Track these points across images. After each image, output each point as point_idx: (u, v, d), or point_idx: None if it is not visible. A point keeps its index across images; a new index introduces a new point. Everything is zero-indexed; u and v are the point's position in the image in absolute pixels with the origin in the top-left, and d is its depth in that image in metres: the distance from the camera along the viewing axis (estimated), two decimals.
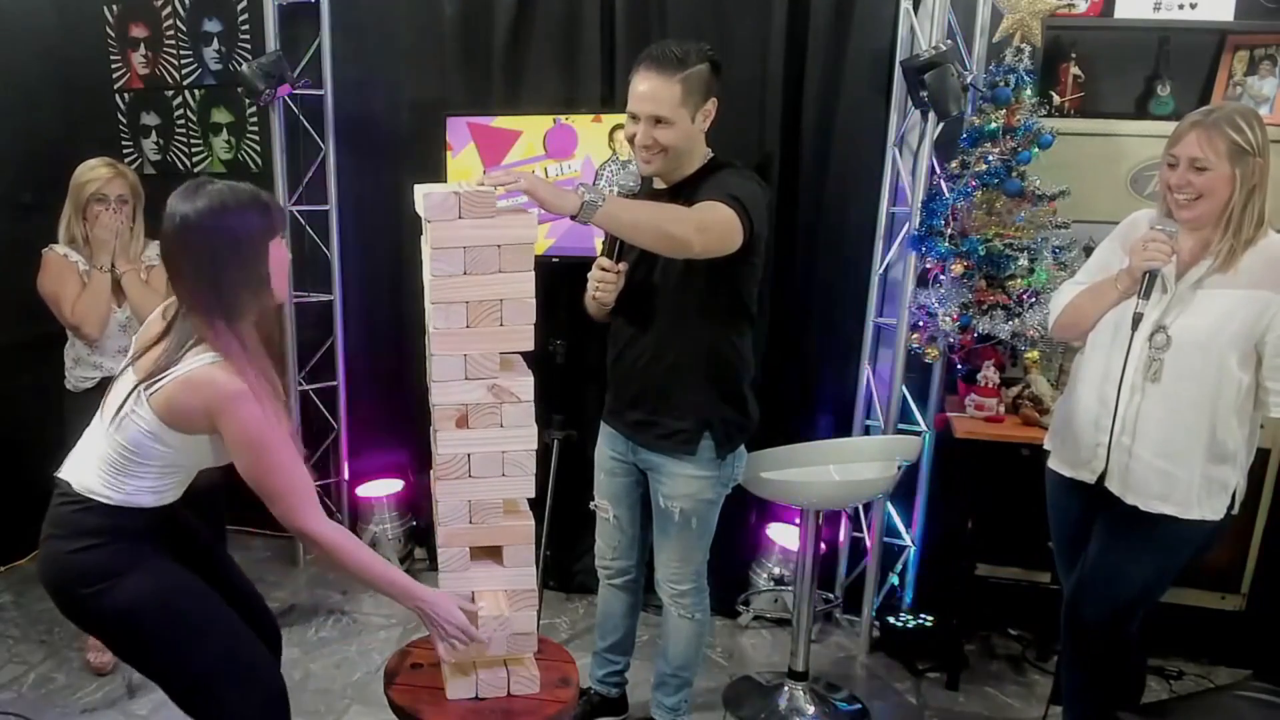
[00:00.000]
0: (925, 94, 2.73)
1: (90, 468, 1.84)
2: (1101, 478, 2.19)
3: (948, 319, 2.81)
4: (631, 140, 2.15)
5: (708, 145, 2.24)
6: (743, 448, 2.38)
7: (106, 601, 1.80)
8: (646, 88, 2.08)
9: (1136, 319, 2.05)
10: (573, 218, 1.86)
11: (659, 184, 2.25)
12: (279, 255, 1.82)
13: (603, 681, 2.72)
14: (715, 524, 2.40)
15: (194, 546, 2.00)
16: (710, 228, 1.99)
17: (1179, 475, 2.09)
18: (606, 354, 2.42)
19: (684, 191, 2.16)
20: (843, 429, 3.28)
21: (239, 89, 3.49)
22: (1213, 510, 2.11)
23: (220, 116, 3.69)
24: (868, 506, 3.24)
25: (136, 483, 1.81)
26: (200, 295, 1.74)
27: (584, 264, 2.99)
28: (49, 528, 1.88)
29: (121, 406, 1.77)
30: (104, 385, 2.89)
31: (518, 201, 1.79)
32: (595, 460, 2.51)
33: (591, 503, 2.53)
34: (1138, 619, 2.26)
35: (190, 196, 1.73)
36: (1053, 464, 2.35)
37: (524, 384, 1.84)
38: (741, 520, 3.35)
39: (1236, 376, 2.03)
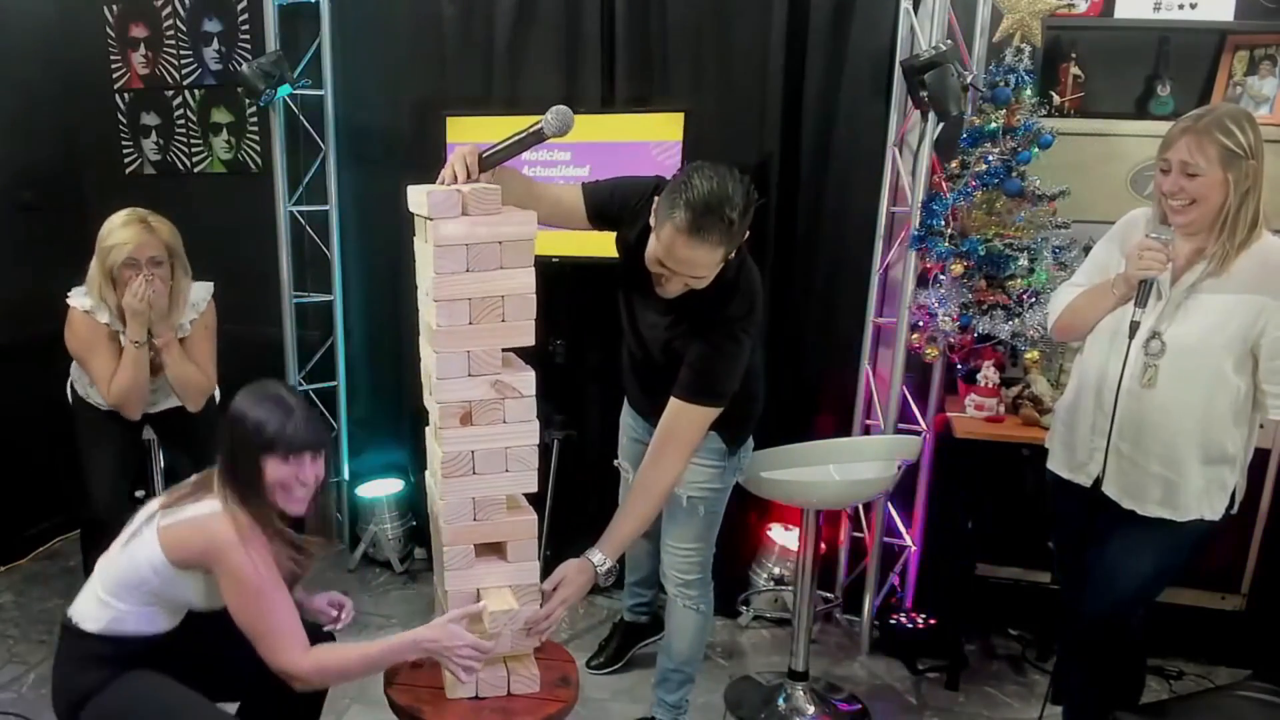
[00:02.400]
0: (925, 94, 2.73)
1: (88, 594, 1.93)
2: (1099, 481, 2.19)
3: (948, 319, 2.81)
4: (659, 277, 2.04)
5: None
6: (750, 438, 2.41)
7: None
8: (690, 256, 1.93)
9: (1133, 327, 2.03)
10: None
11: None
12: (277, 473, 1.84)
13: (632, 610, 3.02)
14: (723, 512, 2.43)
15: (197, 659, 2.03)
16: (689, 451, 2.15)
17: (1177, 481, 2.09)
18: (620, 352, 2.45)
19: (685, 302, 2.10)
20: (843, 429, 3.28)
21: (239, 89, 3.50)
22: (1211, 510, 2.11)
23: (220, 116, 3.70)
24: (868, 506, 3.24)
25: (121, 607, 1.88)
26: (222, 469, 1.87)
27: (584, 265, 3.00)
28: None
29: (137, 530, 1.88)
30: (116, 414, 2.79)
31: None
32: (620, 423, 2.63)
33: (615, 461, 2.65)
34: (1137, 617, 2.26)
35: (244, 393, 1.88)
36: (1051, 465, 2.35)
37: (526, 379, 1.85)
38: (741, 520, 3.35)
39: (1233, 382, 2.03)
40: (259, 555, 1.80)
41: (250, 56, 3.50)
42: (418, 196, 1.82)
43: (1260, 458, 2.85)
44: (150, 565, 1.84)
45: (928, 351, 2.93)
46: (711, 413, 2.11)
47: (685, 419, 2.11)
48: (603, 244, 2.33)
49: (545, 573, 2.08)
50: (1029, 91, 2.77)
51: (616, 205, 2.22)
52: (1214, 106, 2.10)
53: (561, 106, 1.89)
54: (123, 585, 1.87)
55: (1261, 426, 2.18)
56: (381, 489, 3.75)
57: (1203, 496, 2.09)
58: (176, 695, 1.90)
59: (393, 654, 1.88)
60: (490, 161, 1.90)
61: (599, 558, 2.07)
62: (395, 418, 3.73)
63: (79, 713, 1.89)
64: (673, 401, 2.11)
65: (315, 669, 1.82)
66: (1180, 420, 2.06)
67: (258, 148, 3.67)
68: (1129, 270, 2.05)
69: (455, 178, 1.84)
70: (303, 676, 1.82)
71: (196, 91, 3.70)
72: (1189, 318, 2.03)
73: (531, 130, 1.90)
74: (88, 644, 1.89)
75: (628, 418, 2.57)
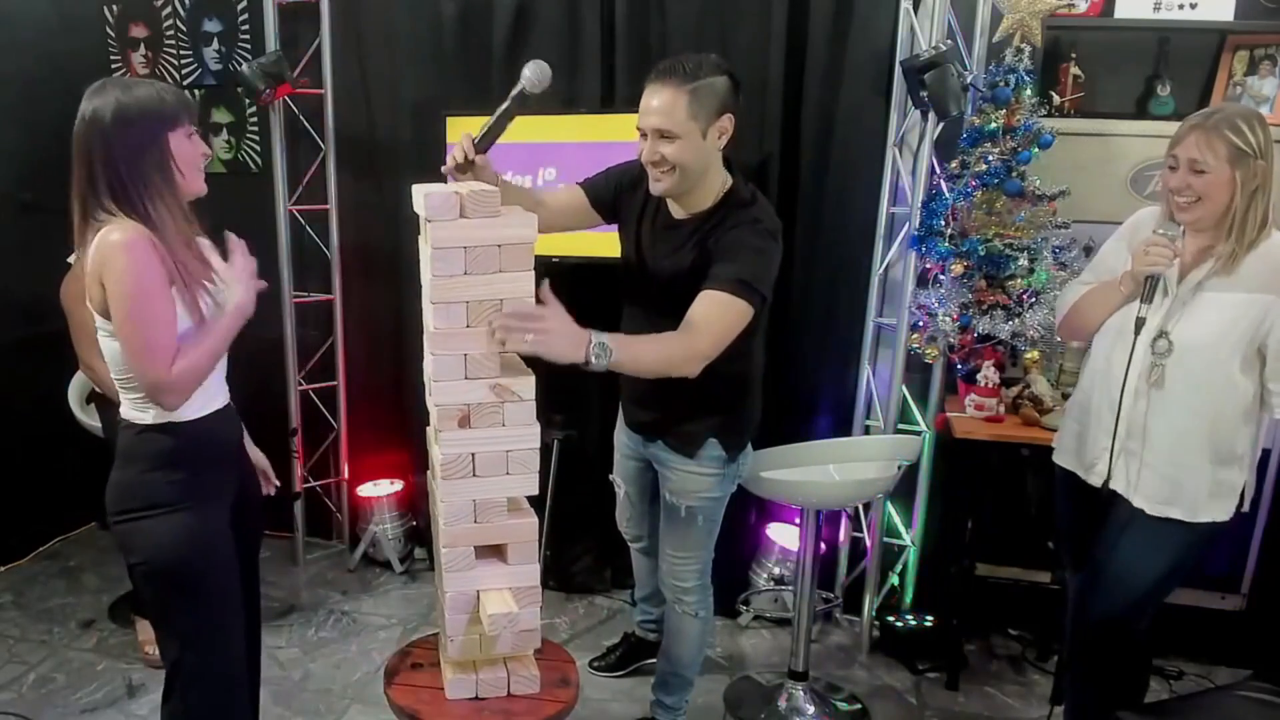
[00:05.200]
0: (925, 94, 2.73)
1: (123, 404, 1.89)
2: (1107, 481, 2.18)
3: (948, 319, 2.81)
4: (642, 153, 2.07)
5: (728, 167, 2.16)
6: (749, 445, 2.40)
7: (138, 531, 1.84)
8: (652, 101, 2.00)
9: (1139, 323, 2.05)
10: (583, 365, 1.81)
11: (676, 212, 2.17)
12: (184, 151, 1.79)
13: (642, 626, 2.98)
14: (721, 520, 2.42)
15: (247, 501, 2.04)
16: (714, 344, 1.96)
17: (1185, 480, 2.09)
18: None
19: (701, 230, 2.10)
20: (843, 429, 3.28)
21: (239, 89, 3.50)
22: (1222, 511, 2.10)
23: (220, 116, 3.69)
24: (868, 506, 3.24)
25: (136, 393, 1.82)
26: (97, 185, 1.73)
27: (584, 265, 3.00)
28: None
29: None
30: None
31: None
32: (614, 439, 2.59)
33: (610, 475, 2.64)
34: (1147, 618, 2.24)
35: (94, 94, 1.74)
36: (1058, 459, 2.35)
37: (525, 383, 1.85)
38: (741, 520, 3.35)
39: (1241, 382, 2.03)
40: (147, 259, 1.70)
41: (250, 56, 3.50)
42: (419, 197, 1.82)
43: (1260, 457, 2.85)
44: (105, 333, 1.78)
45: (928, 351, 2.93)
46: (739, 306, 1.96)
47: (709, 304, 1.96)
48: (602, 244, 2.34)
49: (545, 574, 2.08)
50: (1029, 91, 2.77)
51: (613, 185, 2.26)
52: (1224, 106, 2.11)
53: (537, 60, 1.90)
54: (118, 376, 1.83)
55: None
56: (381, 489, 3.76)
57: (1213, 498, 2.09)
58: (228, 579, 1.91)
59: (227, 331, 1.83)
60: (485, 141, 1.90)
61: (600, 335, 1.81)
62: (395, 418, 3.73)
63: (135, 518, 1.84)
64: (703, 295, 1.98)
65: (181, 371, 1.74)
66: (1189, 420, 2.06)
67: (258, 148, 3.67)
68: (1135, 266, 2.06)
69: (455, 164, 1.84)
70: (171, 384, 1.74)
71: (196, 91, 3.69)
72: (1197, 317, 2.03)
73: (513, 95, 1.91)
74: (132, 439, 1.85)
75: (623, 435, 2.53)
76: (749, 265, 2.00)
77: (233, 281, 1.86)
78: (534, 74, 1.89)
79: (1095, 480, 2.22)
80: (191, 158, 1.82)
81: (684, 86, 1.96)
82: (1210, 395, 2.04)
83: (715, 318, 1.97)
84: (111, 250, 1.69)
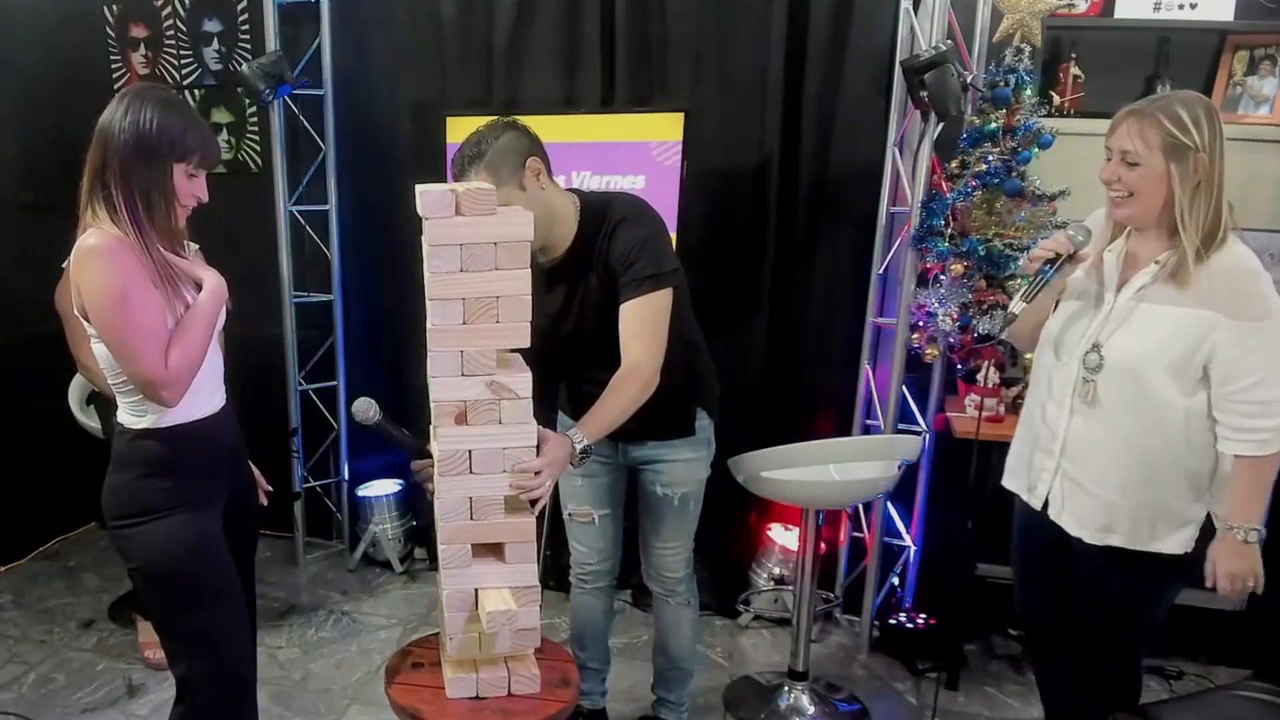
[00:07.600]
0: (925, 94, 2.73)
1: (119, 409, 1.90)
2: (1046, 504, 2.04)
3: (948, 319, 2.81)
4: None
5: (582, 190, 2.21)
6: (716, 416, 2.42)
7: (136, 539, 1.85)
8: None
9: (1009, 318, 1.94)
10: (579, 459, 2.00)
11: (543, 260, 2.17)
12: (182, 185, 1.80)
13: (588, 695, 2.63)
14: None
15: (242, 506, 2.05)
16: (657, 349, 2.06)
17: (1122, 503, 1.90)
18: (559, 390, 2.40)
19: (585, 252, 2.13)
20: (843, 429, 3.28)
21: (239, 89, 3.50)
22: (1178, 544, 1.89)
23: (220, 116, 3.70)
24: (868, 506, 3.24)
25: (131, 397, 1.83)
26: (101, 178, 1.75)
27: None
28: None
29: None
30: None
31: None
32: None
33: (566, 513, 2.48)
34: (1136, 650, 2.10)
35: (131, 99, 1.76)
36: (1005, 482, 2.18)
37: (522, 380, 1.85)
38: (741, 520, 3.35)
39: (1179, 405, 1.83)
40: (121, 261, 1.70)
41: (250, 56, 3.50)
42: (418, 197, 1.82)
43: None
44: (95, 338, 1.78)
45: (928, 351, 2.93)
46: (658, 298, 2.06)
47: (631, 318, 2.06)
48: None
49: (545, 574, 2.07)
50: (1029, 91, 2.77)
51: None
52: (1171, 92, 1.87)
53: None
54: (115, 380, 1.83)
55: None
56: (381, 489, 3.76)
57: (1163, 527, 1.89)
58: (227, 578, 1.92)
59: (211, 314, 1.83)
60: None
61: (578, 436, 1.99)
62: (395, 418, 3.72)
63: (130, 525, 1.85)
64: (623, 310, 2.07)
65: (175, 364, 1.74)
66: (1123, 442, 1.89)
67: (258, 148, 3.67)
68: (1028, 257, 1.95)
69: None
70: (167, 379, 1.73)
71: (196, 91, 3.70)
72: (1132, 330, 1.86)
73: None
74: (126, 444, 1.86)
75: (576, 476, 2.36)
76: (647, 259, 2.06)
77: (202, 269, 1.87)
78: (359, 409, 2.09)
79: (1035, 502, 2.05)
80: (184, 194, 1.82)
81: (479, 166, 2.02)
82: (1143, 417, 1.85)
83: (642, 327, 2.06)
84: (85, 255, 1.70)
